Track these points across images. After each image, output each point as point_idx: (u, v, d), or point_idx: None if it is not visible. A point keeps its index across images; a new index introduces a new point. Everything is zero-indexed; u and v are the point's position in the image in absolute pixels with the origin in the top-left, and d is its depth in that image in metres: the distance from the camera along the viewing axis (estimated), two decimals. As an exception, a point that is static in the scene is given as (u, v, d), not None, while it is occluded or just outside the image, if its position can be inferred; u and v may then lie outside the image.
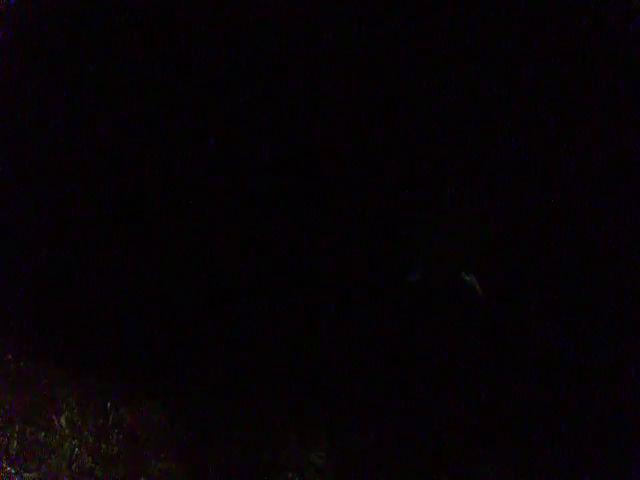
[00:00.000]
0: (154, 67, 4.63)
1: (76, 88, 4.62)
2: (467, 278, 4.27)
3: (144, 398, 3.79)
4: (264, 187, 4.63)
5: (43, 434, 3.58)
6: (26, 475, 3.48)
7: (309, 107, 4.65)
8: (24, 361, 3.78)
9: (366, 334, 4.22)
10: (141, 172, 4.60)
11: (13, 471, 3.39)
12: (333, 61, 4.62)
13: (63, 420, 3.66)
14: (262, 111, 4.67)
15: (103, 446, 3.61)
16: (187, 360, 4.02)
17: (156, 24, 4.57)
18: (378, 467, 3.62)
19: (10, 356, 4.00)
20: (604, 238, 4.30)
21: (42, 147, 4.61)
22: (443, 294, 4.28)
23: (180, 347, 4.07)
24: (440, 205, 4.35)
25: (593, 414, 3.77)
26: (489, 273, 4.29)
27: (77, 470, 3.52)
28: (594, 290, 4.22)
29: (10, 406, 3.65)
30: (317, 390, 3.99)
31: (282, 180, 4.62)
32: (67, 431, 3.63)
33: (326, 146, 4.65)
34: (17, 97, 4.58)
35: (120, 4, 4.56)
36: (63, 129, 4.63)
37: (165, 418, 3.74)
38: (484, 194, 4.36)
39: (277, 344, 4.19)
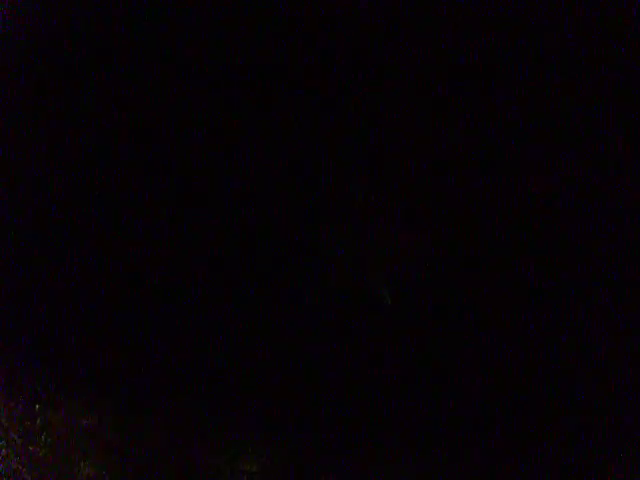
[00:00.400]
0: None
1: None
2: (377, 287, 4.33)
3: (73, 401, 3.83)
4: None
5: (-31, 435, 3.60)
6: (-49, 475, 3.51)
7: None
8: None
9: (278, 342, 4.29)
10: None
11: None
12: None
13: (-10, 421, 3.68)
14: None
15: (30, 448, 3.65)
16: (117, 363, 4.05)
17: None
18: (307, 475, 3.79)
19: None
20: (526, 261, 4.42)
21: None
22: (349, 301, 4.33)
23: (110, 349, 4.09)
24: (350, 213, 4.35)
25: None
26: (405, 283, 4.36)
27: (3, 471, 3.57)
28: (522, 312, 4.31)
29: None
30: (245, 397, 4.09)
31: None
32: (-6, 432, 3.66)
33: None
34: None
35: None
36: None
37: (93, 422, 3.80)
38: (400, 203, 4.36)
39: (206, 351, 4.25)
